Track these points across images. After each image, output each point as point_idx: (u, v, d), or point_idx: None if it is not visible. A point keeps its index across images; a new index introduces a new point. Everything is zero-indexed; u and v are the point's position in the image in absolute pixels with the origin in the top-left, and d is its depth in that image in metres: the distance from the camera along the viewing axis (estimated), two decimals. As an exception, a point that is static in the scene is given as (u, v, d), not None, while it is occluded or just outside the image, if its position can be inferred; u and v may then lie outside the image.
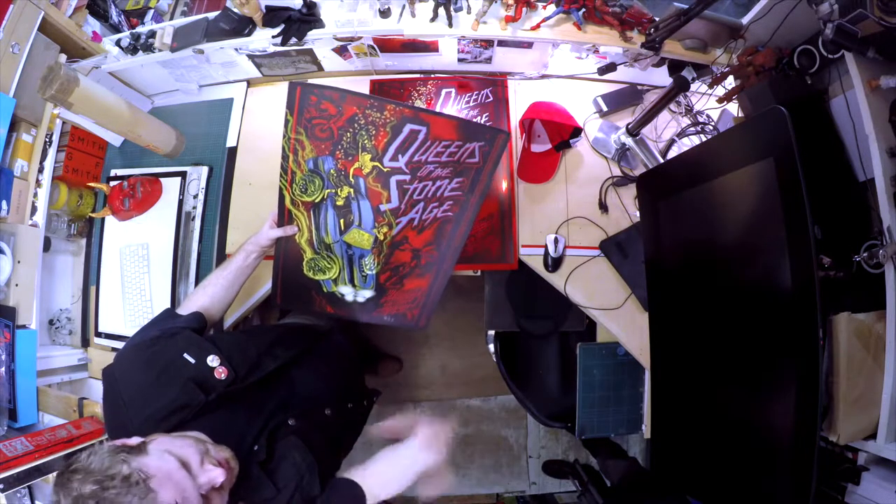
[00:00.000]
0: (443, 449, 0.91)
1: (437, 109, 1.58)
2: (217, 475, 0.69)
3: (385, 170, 1.03)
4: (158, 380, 0.81)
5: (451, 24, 1.39)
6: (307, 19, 1.40)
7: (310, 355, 1.07)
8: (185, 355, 0.85)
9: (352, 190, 1.04)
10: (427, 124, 0.99)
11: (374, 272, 1.13)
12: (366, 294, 1.17)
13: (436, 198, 1.08)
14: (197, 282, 1.49)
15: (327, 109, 0.96)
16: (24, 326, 1.28)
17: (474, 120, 1.55)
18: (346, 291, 1.16)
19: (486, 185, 1.08)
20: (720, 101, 1.43)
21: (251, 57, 1.53)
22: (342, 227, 1.08)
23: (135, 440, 0.69)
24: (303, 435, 0.90)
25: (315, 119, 0.98)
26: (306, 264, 1.12)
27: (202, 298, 1.04)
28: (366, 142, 0.99)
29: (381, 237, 1.10)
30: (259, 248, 1.08)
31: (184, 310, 1.01)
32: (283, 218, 1.07)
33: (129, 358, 0.87)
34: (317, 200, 1.05)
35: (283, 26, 1.40)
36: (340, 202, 1.05)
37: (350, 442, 1.13)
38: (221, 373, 0.84)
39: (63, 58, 1.42)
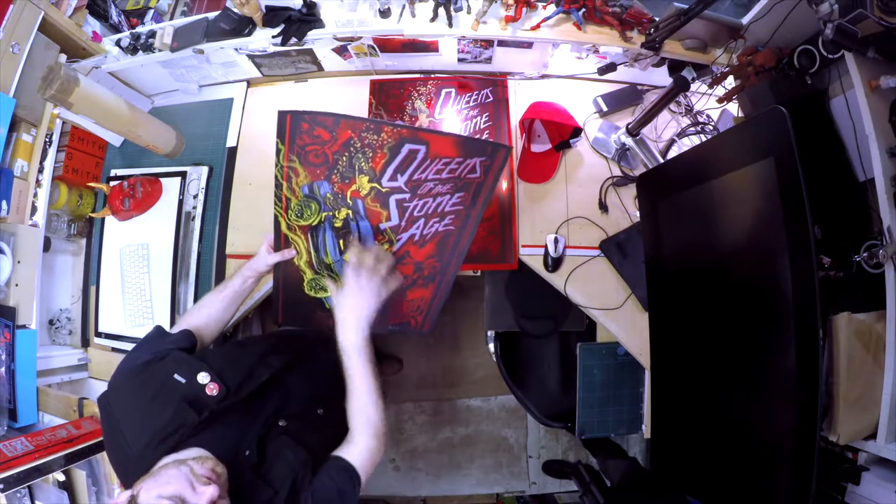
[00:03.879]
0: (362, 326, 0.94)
1: (438, 110, 1.58)
2: (211, 492, 0.69)
3: (384, 190, 1.01)
4: (151, 404, 0.82)
5: (451, 24, 1.39)
6: (307, 19, 1.40)
7: (304, 361, 1.06)
8: (176, 376, 0.85)
9: (350, 212, 1.03)
10: (426, 143, 0.97)
11: None
12: None
13: (437, 213, 1.07)
14: (197, 283, 1.50)
15: (320, 136, 0.94)
16: (24, 326, 1.28)
17: (478, 124, 1.55)
18: None
19: (487, 198, 1.07)
20: (720, 101, 1.42)
21: (251, 57, 1.53)
22: (342, 248, 1.06)
23: (124, 499, 0.69)
24: (294, 434, 0.89)
25: (308, 146, 0.95)
26: (307, 284, 1.11)
27: (197, 318, 1.04)
28: (363, 164, 0.97)
29: None
30: (257, 274, 1.07)
31: (176, 328, 1.01)
32: (280, 243, 1.06)
33: (121, 384, 0.87)
34: (314, 224, 1.04)
35: (283, 26, 1.40)
36: (339, 224, 1.04)
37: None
38: (213, 389, 0.85)
39: (63, 58, 1.42)
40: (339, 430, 0.99)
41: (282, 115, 0.93)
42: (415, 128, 1.08)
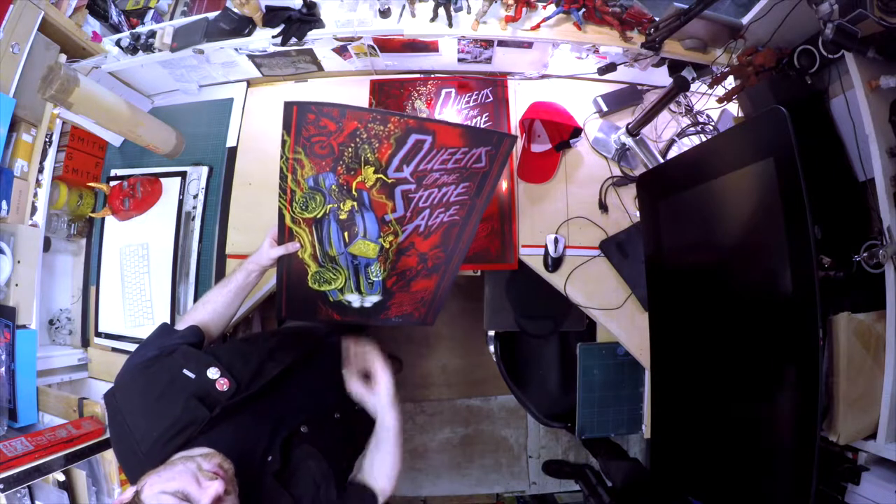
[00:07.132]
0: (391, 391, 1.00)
1: (438, 110, 1.58)
2: (216, 487, 0.68)
3: (389, 181, 1.00)
4: (160, 400, 0.81)
5: (451, 24, 1.39)
6: (307, 19, 1.40)
7: (311, 359, 1.06)
8: (185, 371, 0.84)
9: (355, 203, 1.02)
10: (432, 133, 0.96)
11: (380, 278, 1.12)
12: (373, 299, 1.16)
13: (442, 204, 1.07)
14: (197, 282, 1.50)
15: (326, 126, 0.93)
16: (24, 326, 1.28)
17: (478, 124, 1.55)
18: (353, 299, 1.15)
19: (492, 187, 1.07)
20: (720, 101, 1.43)
21: (251, 57, 1.53)
22: (346, 240, 1.06)
23: (129, 494, 0.69)
24: (315, 442, 0.90)
25: (314, 137, 0.94)
26: (311, 277, 1.10)
27: (202, 314, 1.03)
28: (368, 155, 0.97)
29: (387, 245, 1.08)
30: (260, 268, 1.06)
31: (181, 324, 1.00)
32: (284, 236, 1.05)
33: (128, 380, 0.86)
34: (318, 216, 1.03)
35: (283, 26, 1.40)
36: (343, 216, 1.03)
37: (362, 442, 1.13)
38: (223, 384, 0.84)
39: (63, 58, 1.42)
40: (355, 434, 0.99)
41: (288, 106, 0.91)
42: (421, 118, 1.06)
